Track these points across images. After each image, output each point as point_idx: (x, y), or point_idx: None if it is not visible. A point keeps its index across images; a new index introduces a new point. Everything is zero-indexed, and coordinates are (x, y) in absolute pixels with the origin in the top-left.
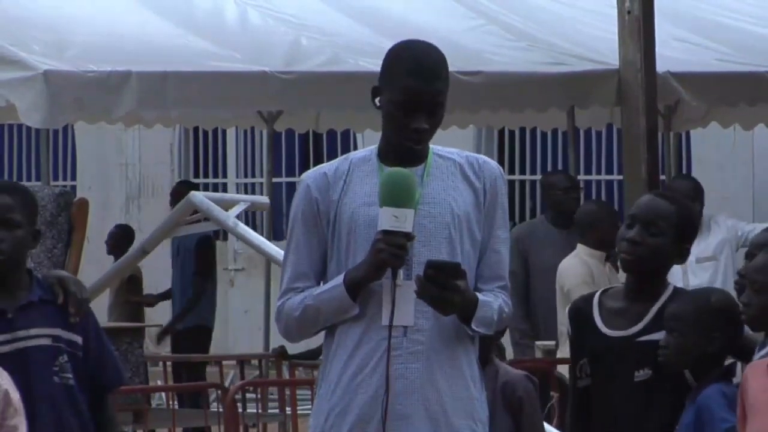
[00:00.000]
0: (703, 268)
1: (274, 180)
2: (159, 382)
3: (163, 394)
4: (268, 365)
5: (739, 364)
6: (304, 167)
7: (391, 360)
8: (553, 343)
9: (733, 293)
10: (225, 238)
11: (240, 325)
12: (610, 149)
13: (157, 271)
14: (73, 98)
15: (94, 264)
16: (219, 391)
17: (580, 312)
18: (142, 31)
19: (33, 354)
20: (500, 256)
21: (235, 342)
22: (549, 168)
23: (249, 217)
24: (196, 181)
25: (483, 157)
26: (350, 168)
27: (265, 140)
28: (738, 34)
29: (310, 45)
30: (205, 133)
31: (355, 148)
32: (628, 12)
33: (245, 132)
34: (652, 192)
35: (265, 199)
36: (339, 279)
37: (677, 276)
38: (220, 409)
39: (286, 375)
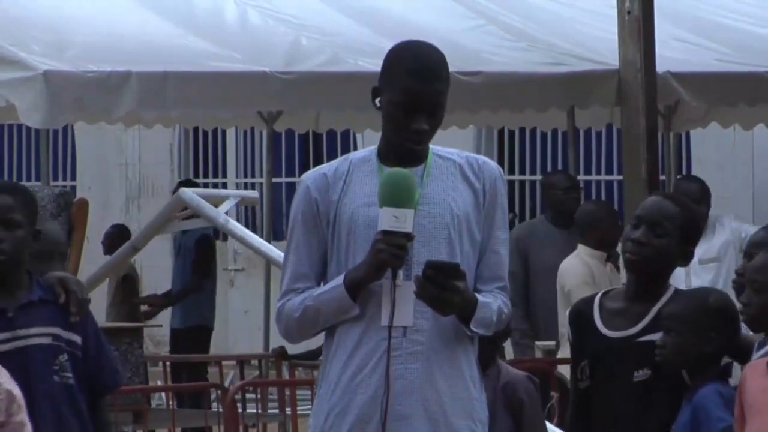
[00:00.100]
0: (706, 270)
1: (274, 180)
2: (159, 382)
3: (163, 394)
4: (268, 365)
5: (736, 365)
6: (304, 167)
7: (390, 360)
8: (553, 343)
9: None
10: (225, 239)
11: (240, 325)
12: (610, 149)
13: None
14: (73, 98)
15: (93, 264)
16: (219, 391)
17: (581, 314)
18: (142, 31)
19: (33, 353)
20: (500, 256)
21: (235, 342)
22: (549, 168)
23: (249, 217)
24: (195, 181)
25: (483, 158)
26: (350, 168)
27: (265, 140)
28: (738, 34)
29: (310, 45)
30: (205, 133)
31: (355, 149)
32: (628, 12)
33: (245, 132)
34: (658, 193)
35: (254, 193)
36: (339, 279)
37: (680, 277)
38: (220, 410)
39: (286, 375)
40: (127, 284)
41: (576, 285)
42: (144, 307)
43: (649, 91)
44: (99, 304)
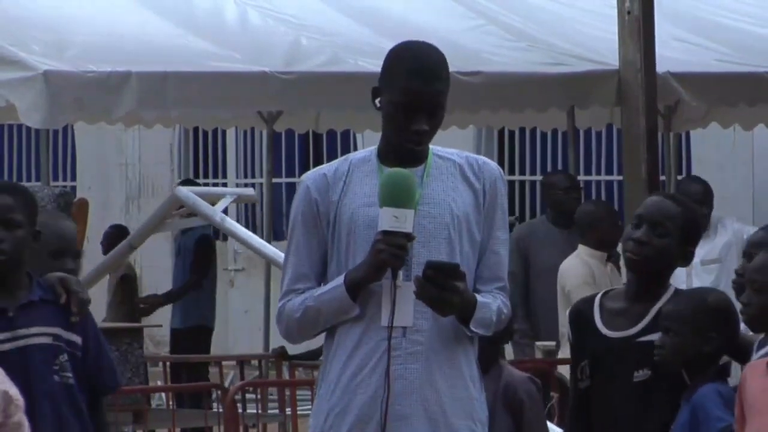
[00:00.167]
0: (707, 271)
1: (274, 180)
2: (159, 382)
3: (163, 394)
4: (268, 366)
5: (734, 364)
6: (304, 167)
7: (390, 360)
8: (553, 343)
9: None
10: (225, 239)
11: (240, 325)
12: (610, 149)
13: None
14: (73, 98)
15: (93, 264)
16: (219, 392)
17: (581, 314)
18: (142, 31)
19: (33, 352)
20: (499, 257)
21: (235, 342)
22: (549, 168)
23: (249, 217)
24: (196, 181)
25: (483, 158)
26: (350, 169)
27: (265, 140)
28: (738, 35)
29: (310, 45)
30: (205, 133)
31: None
32: (628, 12)
33: (245, 132)
34: (659, 193)
35: (250, 191)
36: (339, 280)
37: (681, 278)
38: (220, 410)
39: (286, 375)
40: (126, 284)
41: (576, 285)
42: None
43: (649, 91)
44: (98, 304)
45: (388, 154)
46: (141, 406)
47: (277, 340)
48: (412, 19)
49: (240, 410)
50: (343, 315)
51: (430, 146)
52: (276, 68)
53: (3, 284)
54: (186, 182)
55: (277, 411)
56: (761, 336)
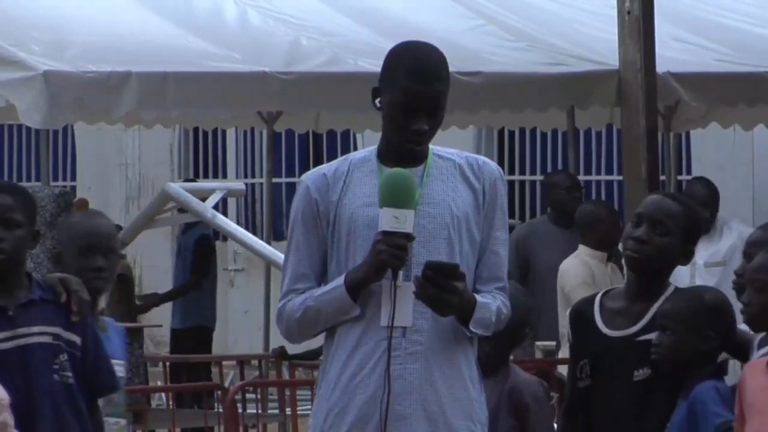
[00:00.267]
0: (711, 273)
1: (274, 180)
2: (159, 383)
3: (163, 394)
4: (268, 366)
5: (731, 361)
6: (304, 168)
7: (389, 360)
8: (553, 343)
9: None
10: (225, 239)
11: (240, 325)
12: (610, 149)
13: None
14: (73, 98)
15: None
16: (219, 392)
17: (581, 314)
18: (142, 31)
19: (34, 351)
20: (499, 257)
21: (235, 342)
22: (549, 168)
23: (249, 217)
24: (196, 181)
25: (483, 158)
26: (350, 169)
27: (265, 140)
28: (738, 35)
29: (309, 45)
30: (205, 133)
31: (355, 149)
32: (628, 12)
33: (245, 132)
34: (659, 192)
35: (240, 185)
36: (339, 280)
37: (684, 280)
38: (220, 410)
39: (286, 375)
40: (123, 284)
41: (575, 285)
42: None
43: (649, 91)
44: None
45: (388, 154)
46: (141, 406)
47: (277, 340)
48: (412, 19)
49: (240, 410)
50: (344, 315)
51: (430, 146)
52: (276, 68)
53: (3, 283)
54: (187, 182)
55: (277, 411)
56: (761, 334)
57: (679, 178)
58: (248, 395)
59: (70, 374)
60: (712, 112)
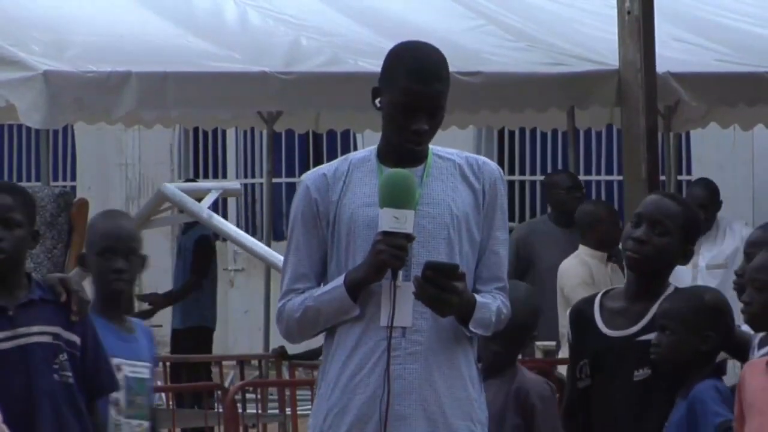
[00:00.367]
0: (713, 276)
1: (274, 180)
2: (159, 382)
3: (163, 394)
4: (268, 366)
5: (729, 362)
6: (304, 168)
7: (389, 360)
8: (553, 343)
9: None
10: (225, 239)
11: (240, 325)
12: (610, 149)
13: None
14: (73, 98)
15: None
16: (219, 392)
17: (581, 314)
18: (142, 31)
19: (34, 351)
20: (499, 257)
21: (235, 342)
22: (549, 168)
23: (249, 217)
24: (196, 181)
25: (483, 158)
26: (350, 169)
27: (265, 140)
28: (738, 35)
29: (309, 45)
30: (205, 133)
31: (355, 149)
32: (628, 12)
33: (245, 132)
34: (658, 192)
35: (236, 184)
36: (339, 280)
37: (686, 282)
38: (220, 410)
39: (286, 375)
40: None
41: (574, 286)
42: (144, 305)
43: (649, 91)
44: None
45: (388, 154)
46: None
47: (277, 340)
48: (412, 19)
49: (240, 410)
50: (344, 315)
51: (430, 146)
52: (276, 68)
53: (2, 283)
54: (188, 182)
55: (277, 411)
56: (760, 334)
57: (679, 178)
58: (248, 395)
59: (70, 374)
60: (712, 112)
